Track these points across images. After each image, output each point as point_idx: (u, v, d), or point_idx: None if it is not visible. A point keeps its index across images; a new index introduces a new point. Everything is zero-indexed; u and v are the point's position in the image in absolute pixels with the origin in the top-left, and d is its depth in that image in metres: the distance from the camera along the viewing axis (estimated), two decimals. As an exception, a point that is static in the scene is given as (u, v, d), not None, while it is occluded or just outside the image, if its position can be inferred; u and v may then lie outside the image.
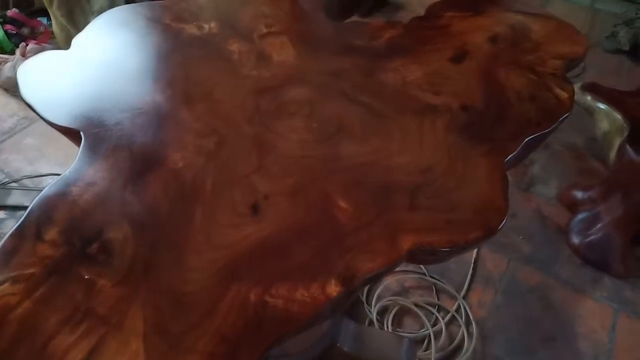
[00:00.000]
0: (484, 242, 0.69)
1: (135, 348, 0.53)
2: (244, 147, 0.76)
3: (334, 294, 0.59)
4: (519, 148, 0.80)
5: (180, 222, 0.65)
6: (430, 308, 1.55)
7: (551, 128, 0.84)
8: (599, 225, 1.68)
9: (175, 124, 0.79)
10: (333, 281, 0.60)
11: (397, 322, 1.53)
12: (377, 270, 0.62)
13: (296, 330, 0.56)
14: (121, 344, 0.53)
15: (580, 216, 1.74)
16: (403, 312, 1.55)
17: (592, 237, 1.68)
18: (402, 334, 1.48)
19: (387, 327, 1.49)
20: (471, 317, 1.52)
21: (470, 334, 1.48)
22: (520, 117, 0.85)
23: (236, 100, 0.84)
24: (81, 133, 0.75)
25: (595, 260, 1.68)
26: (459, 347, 1.46)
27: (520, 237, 1.74)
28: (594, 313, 1.55)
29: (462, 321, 1.51)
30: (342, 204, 0.69)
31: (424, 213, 0.69)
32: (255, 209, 0.67)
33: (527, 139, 0.81)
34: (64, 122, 0.77)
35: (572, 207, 1.78)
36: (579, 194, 1.78)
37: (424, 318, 1.51)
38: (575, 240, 1.72)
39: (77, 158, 0.72)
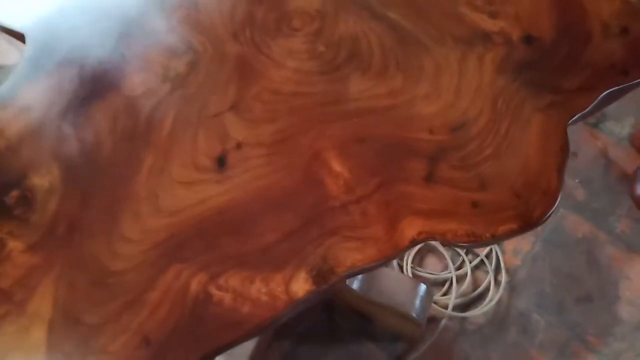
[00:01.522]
0: (518, 236, 0.51)
1: (36, 339, 0.42)
2: (222, 72, 0.59)
3: (301, 293, 0.45)
4: (591, 105, 0.59)
5: (123, 171, 0.51)
6: (457, 249, 1.41)
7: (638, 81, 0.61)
8: (674, 178, 1.43)
9: (143, 34, 0.62)
10: (303, 275, 0.46)
11: (419, 261, 1.40)
12: (364, 265, 0.47)
13: (242, 339, 0.43)
14: (20, 331, 0.42)
15: (653, 164, 1.48)
16: (427, 249, 1.42)
17: (662, 191, 1.44)
18: (421, 273, 1.36)
19: (407, 265, 1.37)
20: (502, 265, 1.37)
21: (497, 283, 1.35)
22: (602, 59, 0.62)
23: (225, 5, 0.65)
24: (25, 37, 0.60)
25: (660, 217, 1.45)
26: (483, 296, 1.34)
27: (576, 181, 1.51)
28: (645, 277, 1.37)
29: (490, 268, 1.36)
30: (336, 166, 0.52)
31: (444, 189, 0.51)
32: (221, 161, 0.52)
33: (605, 93, 0.59)
34: (7, 21, 0.61)
35: (646, 151, 1.52)
36: (656, 138, 1.50)
37: (448, 259, 1.38)
38: (641, 191, 1.48)
39: (15, 70, 0.57)
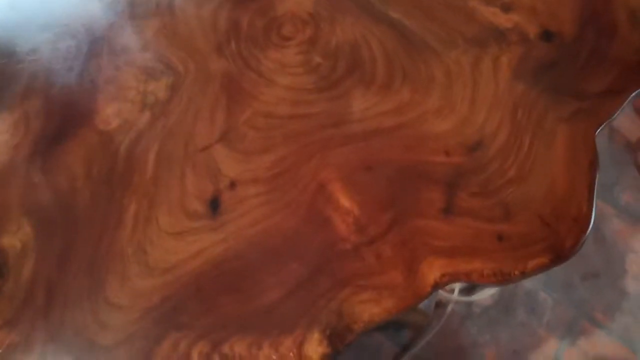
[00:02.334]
0: (548, 270, 0.47)
1: None
2: (207, 96, 0.52)
3: (315, 357, 0.40)
4: (620, 109, 0.53)
5: (104, 222, 0.45)
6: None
7: (676, 74, 0.55)
8: (680, 146, 1.39)
9: (113, 53, 0.54)
10: (316, 336, 0.41)
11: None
12: (383, 318, 0.42)
13: (254, 417, 0.38)
14: None
15: (658, 132, 1.44)
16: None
17: (668, 160, 1.40)
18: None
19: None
20: (506, 244, 1.33)
21: (502, 263, 1.32)
22: (630, 54, 0.56)
23: (205, 10, 0.57)
24: (-21, 63, 0.52)
25: (666, 186, 1.42)
26: (487, 277, 1.31)
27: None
28: (651, 249, 1.34)
29: (494, 248, 1.33)
30: (344, 200, 0.47)
31: (465, 221, 0.46)
32: (214, 205, 0.46)
33: (634, 94, 0.54)
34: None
35: (651, 119, 1.47)
36: (662, 104, 1.45)
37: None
38: (646, 160, 1.44)
39: (-29, 106, 0.50)
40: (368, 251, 0.44)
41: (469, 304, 1.28)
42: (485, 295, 1.27)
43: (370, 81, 0.53)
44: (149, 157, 0.48)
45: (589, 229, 0.47)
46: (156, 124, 0.50)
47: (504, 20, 0.57)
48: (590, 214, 0.47)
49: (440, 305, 1.27)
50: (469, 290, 1.31)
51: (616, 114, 0.53)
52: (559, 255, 0.45)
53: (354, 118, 0.51)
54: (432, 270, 0.44)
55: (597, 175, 0.50)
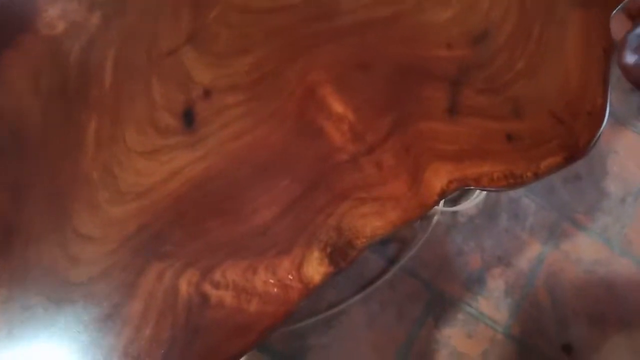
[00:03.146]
0: (562, 169, 0.43)
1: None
2: (170, -11, 0.44)
3: (317, 278, 0.36)
4: (638, -13, 0.47)
5: (62, 145, 0.39)
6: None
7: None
8: (665, 42, 1.35)
9: (47, -60, 0.45)
10: (316, 255, 0.37)
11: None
12: (387, 232, 0.38)
13: (253, 344, 0.35)
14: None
15: (643, 28, 1.39)
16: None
17: (652, 57, 1.37)
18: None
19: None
20: (489, 152, 1.31)
21: (485, 171, 1.30)
22: None
23: None
24: None
25: (649, 84, 1.40)
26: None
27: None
28: (632, 149, 1.34)
29: (478, 156, 1.31)
30: (336, 105, 0.41)
31: (472, 121, 0.41)
32: (187, 118, 0.40)
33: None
34: None
35: (636, 15, 1.41)
36: (650, -3, 1.39)
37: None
38: (630, 59, 1.40)
39: None
40: (367, 161, 0.40)
41: (454, 214, 1.27)
42: (471, 204, 1.27)
43: (359, -34, 0.46)
44: (106, 66, 0.41)
45: (604, 123, 0.43)
46: (110, 25, 0.42)
47: None
48: (605, 107, 0.43)
49: (426, 216, 1.27)
50: (454, 200, 1.30)
51: (633, -5, 0.47)
52: (573, 152, 0.41)
53: (343, 8, 0.44)
54: (438, 177, 0.39)
55: (611, 65, 0.45)
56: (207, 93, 0.40)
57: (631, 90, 1.42)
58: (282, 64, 0.42)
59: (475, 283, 1.20)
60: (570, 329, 1.17)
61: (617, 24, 1.46)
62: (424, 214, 0.39)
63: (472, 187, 0.40)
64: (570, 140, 0.41)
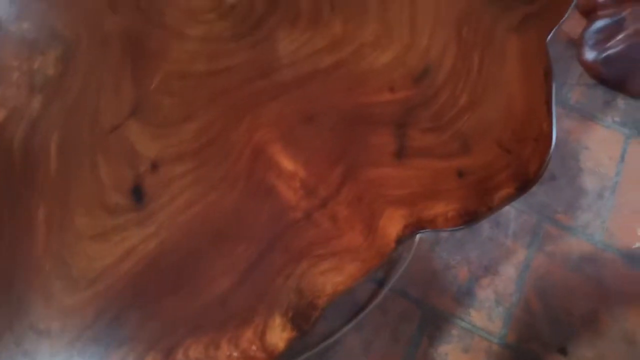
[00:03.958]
0: (517, 199, 0.43)
1: None
2: (108, 63, 0.44)
3: (281, 344, 0.36)
4: (571, 6, 0.48)
5: (11, 235, 0.38)
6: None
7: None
8: (621, 36, 1.38)
9: (-20, 28, 0.45)
10: (278, 321, 0.36)
11: (381, 177, 1.33)
12: (348, 287, 0.38)
13: (224, 422, 0.34)
14: None
15: (598, 24, 1.42)
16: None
17: (610, 51, 1.40)
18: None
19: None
20: (464, 162, 1.32)
21: (462, 182, 1.31)
22: (575, -56, 0.50)
23: (86, -38, 0.48)
24: None
25: (611, 78, 1.42)
26: (450, 198, 1.30)
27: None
28: (603, 142, 1.36)
29: (453, 168, 1.32)
30: (286, 162, 0.41)
31: (420, 162, 0.42)
32: (137, 194, 0.40)
33: (584, -12, 0.49)
34: None
35: (590, 12, 1.45)
36: (600, -5, 1.42)
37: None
38: (590, 55, 1.43)
39: None
40: (321, 215, 0.39)
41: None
42: (451, 216, 1.27)
43: (296, 17, 0.46)
44: (51, 149, 0.41)
45: (552, 147, 0.43)
46: (52, 107, 0.42)
47: None
48: (552, 131, 0.43)
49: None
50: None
51: (567, 14, 0.48)
52: (525, 181, 0.41)
53: (283, 63, 0.44)
54: (393, 224, 0.39)
55: (554, 86, 0.46)
56: (154, 166, 0.40)
57: (595, 85, 1.45)
58: (228, 126, 0.42)
59: (465, 296, 1.20)
60: (565, 330, 1.17)
61: (572, 21, 1.49)
62: (383, 263, 0.39)
63: (428, 230, 0.40)
64: (521, 170, 0.41)
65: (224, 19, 0.46)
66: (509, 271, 1.22)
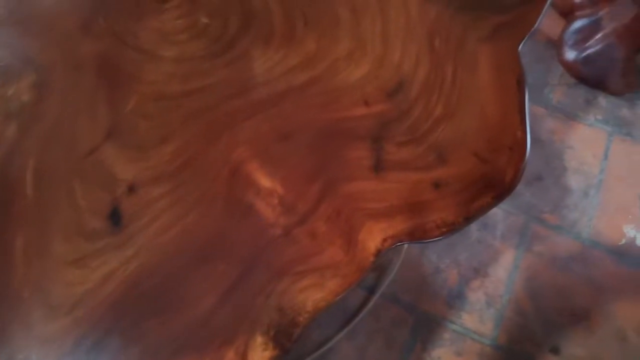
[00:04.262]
0: (493, 208, 0.44)
1: None
2: (83, 88, 0.44)
3: (264, 363, 0.36)
4: (542, 15, 0.49)
5: (-12, 266, 0.38)
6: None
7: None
8: (599, 35, 1.40)
9: (-47, 56, 0.45)
10: (259, 340, 0.37)
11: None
12: (329, 303, 0.38)
13: None
14: None
15: (576, 25, 1.43)
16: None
17: (589, 51, 1.41)
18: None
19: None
20: (450, 166, 1.33)
21: (449, 185, 1.32)
22: (543, -46, 0.51)
23: (58, -14, 0.48)
24: None
25: (592, 77, 1.44)
26: (438, 202, 1.31)
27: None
28: (586, 141, 1.38)
29: (440, 172, 1.32)
30: (264, 181, 0.41)
31: (397, 175, 0.42)
32: (115, 218, 0.40)
33: (553, -4, 0.50)
34: None
35: (568, 13, 1.46)
36: (577, -5, 1.44)
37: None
38: (570, 55, 1.45)
39: None
40: (301, 232, 0.40)
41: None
42: (439, 220, 1.28)
43: (269, 35, 0.46)
44: (27, 177, 0.40)
45: (527, 154, 0.44)
46: (27, 134, 0.42)
47: (403, -62, 0.51)
48: (526, 139, 0.44)
49: (397, 239, 1.27)
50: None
51: (538, 23, 0.49)
52: (501, 190, 0.42)
53: (258, 81, 0.45)
54: (372, 237, 0.40)
55: (527, 93, 0.46)
56: (131, 189, 0.40)
57: (576, 85, 1.47)
58: (205, 146, 0.42)
59: (456, 299, 1.20)
60: (556, 329, 1.18)
61: (552, 22, 1.51)
62: (364, 277, 0.39)
63: (406, 243, 0.40)
64: (497, 179, 0.42)
65: (198, 39, 0.46)
66: (498, 272, 1.23)
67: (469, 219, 0.41)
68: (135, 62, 0.45)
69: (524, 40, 0.47)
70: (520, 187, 1.32)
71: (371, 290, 1.19)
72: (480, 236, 1.28)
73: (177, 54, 0.45)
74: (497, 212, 1.29)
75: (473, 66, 0.46)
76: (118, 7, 0.47)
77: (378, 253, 0.39)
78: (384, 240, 0.40)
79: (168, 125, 0.43)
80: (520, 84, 0.45)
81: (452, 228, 0.41)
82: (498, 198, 0.42)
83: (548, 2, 0.49)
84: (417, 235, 0.40)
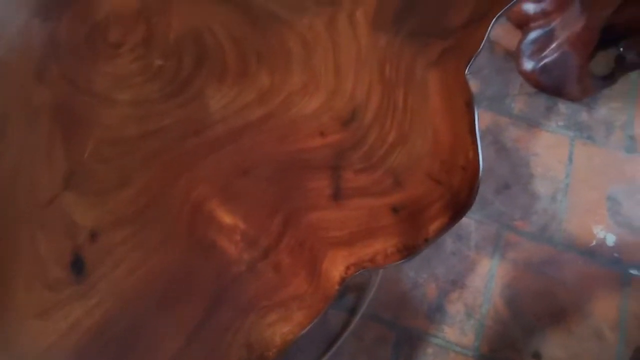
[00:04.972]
0: (452, 227, 0.45)
1: None
2: (38, 136, 0.44)
3: (235, 402, 0.36)
4: (485, 37, 0.51)
5: (-52, 326, 0.37)
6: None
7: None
8: (553, 45, 1.45)
9: None
10: (229, 379, 0.37)
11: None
12: (297, 335, 0.38)
13: None
14: None
15: (532, 35, 1.49)
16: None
17: (546, 60, 1.46)
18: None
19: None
20: (421, 180, 1.35)
21: (422, 199, 1.34)
22: (482, -21, 0.53)
23: (12, 32, 0.48)
24: None
25: (550, 85, 1.49)
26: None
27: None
28: (550, 147, 1.42)
29: (412, 187, 1.34)
30: (226, 217, 0.42)
31: (356, 202, 0.43)
32: (77, 266, 0.40)
33: (497, 16, 0.52)
34: None
35: (523, 25, 1.52)
36: (530, 7, 1.50)
37: (370, 193, 1.34)
38: (528, 65, 1.50)
39: None
40: (265, 266, 0.40)
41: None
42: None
43: (223, 72, 0.47)
44: (-16, 230, 0.40)
45: (480, 173, 0.45)
46: (-18, 187, 0.42)
47: (349, -30, 0.53)
48: (478, 158, 0.45)
49: (374, 257, 1.27)
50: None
51: (482, 45, 0.51)
52: (457, 210, 0.43)
53: (215, 119, 0.45)
54: (335, 266, 0.40)
55: (477, 114, 0.48)
56: (93, 235, 0.40)
57: (536, 93, 1.51)
58: (165, 187, 0.42)
59: (436, 312, 1.21)
60: (536, 334, 1.20)
61: (508, 34, 1.56)
62: (330, 305, 0.40)
63: (369, 268, 0.41)
64: (452, 199, 0.43)
65: (153, 80, 0.46)
66: (475, 283, 1.24)
67: (428, 241, 0.42)
68: (90, 107, 0.45)
69: (470, 63, 0.49)
70: (490, 196, 1.35)
71: (352, 311, 1.19)
72: (455, 248, 1.30)
73: (133, 97, 0.46)
74: (470, 223, 1.31)
75: (423, 91, 0.47)
76: (71, 53, 0.47)
77: (342, 281, 0.40)
78: (347, 268, 0.40)
79: (127, 168, 0.43)
80: (469, 106, 0.47)
81: (412, 251, 0.42)
82: (455, 218, 0.43)
83: (491, 24, 0.51)
84: (379, 261, 0.41)
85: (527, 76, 1.51)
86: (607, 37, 1.45)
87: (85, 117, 0.45)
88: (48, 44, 0.47)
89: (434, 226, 0.42)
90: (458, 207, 0.43)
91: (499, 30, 1.59)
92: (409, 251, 0.41)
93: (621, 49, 1.51)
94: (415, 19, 0.51)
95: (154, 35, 0.48)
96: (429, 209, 0.43)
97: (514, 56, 1.54)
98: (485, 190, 1.39)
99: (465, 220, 1.31)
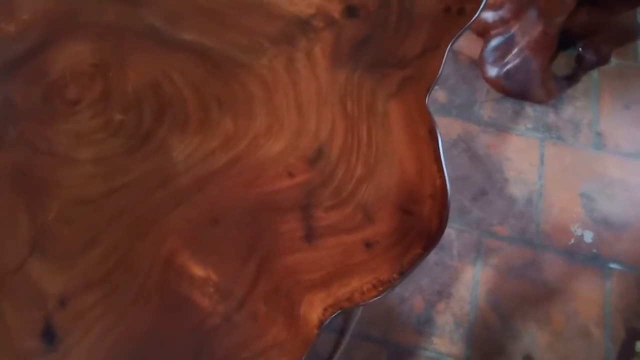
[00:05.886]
0: (425, 257, 0.45)
1: None
2: (1, 203, 0.43)
3: None
4: (442, 65, 0.52)
5: None
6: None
7: (477, 14, 0.55)
8: (514, 51, 1.48)
9: None
10: None
11: (322, 225, 1.35)
12: (279, 384, 0.38)
13: None
14: None
15: (493, 43, 1.52)
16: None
17: (509, 66, 1.50)
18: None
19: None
20: (399, 194, 1.36)
21: (401, 213, 1.34)
22: (434, 6, 0.55)
23: (-36, 102, 0.47)
24: None
25: (515, 89, 1.52)
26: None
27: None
28: (521, 151, 1.44)
29: (390, 201, 1.35)
30: (197, 270, 0.41)
31: (329, 241, 0.43)
32: (48, 335, 0.39)
33: (451, 43, 0.53)
34: None
35: (484, 33, 1.55)
36: (488, 16, 1.53)
37: (349, 211, 1.34)
38: (491, 72, 1.52)
39: None
40: (241, 316, 0.40)
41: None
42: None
43: (185, 121, 0.47)
44: (-52, 307, 0.39)
45: (449, 199, 0.46)
46: (-56, 262, 0.41)
47: (304, 6, 0.53)
48: (445, 185, 0.46)
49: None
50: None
51: (440, 72, 0.52)
52: (429, 239, 0.43)
53: (180, 169, 0.45)
54: (313, 309, 0.40)
55: (440, 141, 0.49)
56: (62, 302, 0.39)
57: (502, 99, 1.54)
58: (134, 243, 0.42)
59: (425, 325, 1.21)
60: (525, 338, 1.21)
61: (471, 44, 1.59)
62: (311, 348, 0.40)
63: (347, 308, 0.41)
64: (423, 229, 0.44)
65: (114, 136, 0.46)
66: (461, 291, 1.25)
67: (403, 274, 0.42)
68: (51, 168, 0.44)
69: (430, 91, 0.50)
70: (467, 204, 1.36)
71: (341, 332, 1.19)
72: (438, 259, 1.30)
73: (95, 154, 0.45)
74: (450, 232, 1.33)
75: (386, 123, 0.48)
76: (28, 114, 0.46)
77: (321, 324, 0.40)
78: (325, 310, 0.40)
79: (93, 228, 0.42)
80: (432, 134, 0.48)
81: (388, 286, 0.42)
82: (428, 247, 0.43)
83: (446, 52, 0.52)
84: (356, 299, 0.41)
85: (492, 83, 1.54)
86: (566, 38, 1.49)
87: (47, 180, 0.44)
88: (3, 108, 0.47)
89: (407, 258, 0.42)
90: (430, 236, 0.44)
91: (462, 40, 1.62)
92: (384, 286, 0.41)
93: (580, 49, 1.55)
94: (371, 50, 0.51)
95: (112, 89, 0.48)
96: (402, 241, 0.43)
97: (477, 64, 1.57)
98: (462, 198, 1.41)
99: (445, 230, 1.32)
